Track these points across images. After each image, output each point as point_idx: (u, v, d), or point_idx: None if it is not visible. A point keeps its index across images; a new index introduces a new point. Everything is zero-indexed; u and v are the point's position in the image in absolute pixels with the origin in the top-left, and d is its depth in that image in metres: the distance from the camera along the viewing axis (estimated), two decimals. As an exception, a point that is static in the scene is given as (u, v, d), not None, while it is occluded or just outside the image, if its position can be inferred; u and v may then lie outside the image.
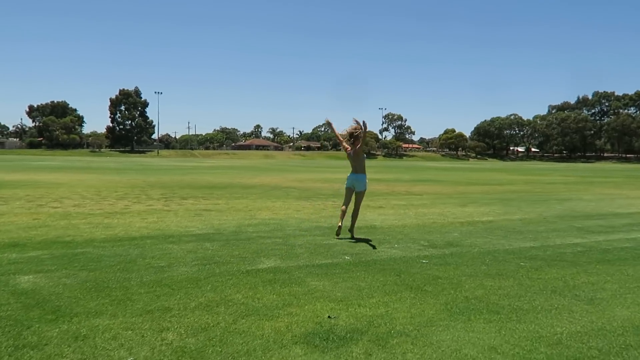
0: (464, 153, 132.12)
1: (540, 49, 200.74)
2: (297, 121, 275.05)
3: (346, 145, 7.43)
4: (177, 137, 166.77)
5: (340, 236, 7.18)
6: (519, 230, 8.44)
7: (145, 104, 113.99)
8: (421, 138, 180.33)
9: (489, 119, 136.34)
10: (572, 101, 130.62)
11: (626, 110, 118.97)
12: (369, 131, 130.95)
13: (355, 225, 7.52)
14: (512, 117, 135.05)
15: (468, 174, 32.88)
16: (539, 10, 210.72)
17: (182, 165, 44.65)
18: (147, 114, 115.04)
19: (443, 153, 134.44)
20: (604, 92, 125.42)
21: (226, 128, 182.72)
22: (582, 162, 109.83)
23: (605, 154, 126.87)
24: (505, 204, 12.81)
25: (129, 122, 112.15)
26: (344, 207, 7.29)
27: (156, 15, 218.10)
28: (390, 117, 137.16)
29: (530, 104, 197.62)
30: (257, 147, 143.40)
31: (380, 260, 5.80)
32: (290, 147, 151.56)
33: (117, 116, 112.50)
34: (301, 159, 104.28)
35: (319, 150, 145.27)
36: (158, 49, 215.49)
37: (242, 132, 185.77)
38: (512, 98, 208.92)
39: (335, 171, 34.54)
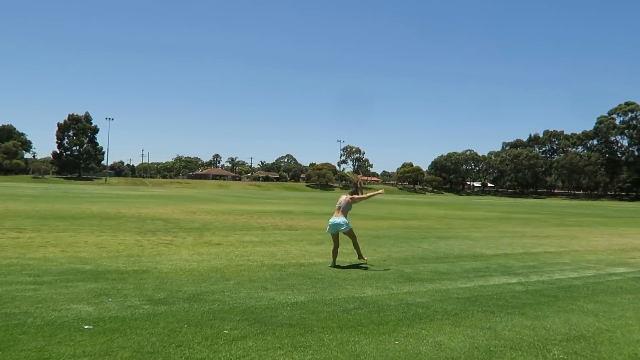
0: (421, 187, 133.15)
1: (495, 86, 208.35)
2: (260, 152, 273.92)
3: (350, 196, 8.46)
4: (134, 165, 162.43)
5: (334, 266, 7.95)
6: (321, 277, 7.04)
7: (95, 130, 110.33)
8: (384, 171, 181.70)
9: (446, 153, 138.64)
10: (525, 139, 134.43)
11: (574, 149, 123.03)
12: (327, 163, 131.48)
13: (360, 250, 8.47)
14: (467, 152, 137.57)
15: (394, 207, 31.88)
16: (495, 50, 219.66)
17: (110, 193, 42.18)
18: (97, 141, 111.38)
19: (401, 186, 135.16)
20: (554, 131, 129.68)
21: (188, 157, 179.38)
22: (534, 197, 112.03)
23: (556, 190, 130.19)
24: (374, 242, 11.50)
25: (77, 147, 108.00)
26: (334, 250, 8.21)
27: (114, 44, 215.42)
28: (348, 149, 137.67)
29: (486, 140, 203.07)
30: (214, 177, 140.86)
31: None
32: (248, 177, 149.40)
33: (64, 141, 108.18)
34: (255, 189, 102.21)
35: (278, 181, 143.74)
36: (114, 76, 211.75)
37: (204, 162, 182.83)
38: (468, 134, 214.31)
39: (269, 203, 32.96)
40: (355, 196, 8.45)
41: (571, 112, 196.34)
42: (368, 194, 8.90)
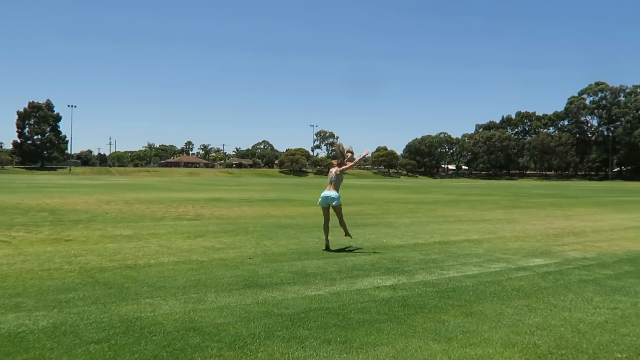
0: (395, 171, 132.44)
1: (467, 67, 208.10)
2: (237, 139, 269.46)
3: (335, 162, 8.12)
4: (105, 154, 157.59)
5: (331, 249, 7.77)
6: (125, 286, 5.33)
7: (57, 118, 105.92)
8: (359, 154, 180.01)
9: (420, 137, 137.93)
10: (497, 120, 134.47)
11: (545, 130, 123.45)
12: (301, 148, 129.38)
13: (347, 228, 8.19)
14: (441, 135, 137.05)
15: (351, 192, 30.35)
16: (466, 31, 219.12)
17: (56, 183, 39.68)
18: (60, 129, 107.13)
19: (375, 171, 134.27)
20: (526, 112, 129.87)
21: (162, 145, 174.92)
22: (506, 179, 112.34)
23: (529, 172, 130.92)
24: (275, 233, 9.88)
25: (39, 137, 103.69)
26: (325, 225, 8.01)
27: (79, 30, 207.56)
28: (322, 134, 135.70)
29: (460, 123, 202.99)
30: (186, 165, 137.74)
31: None
32: (221, 164, 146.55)
33: (25, 130, 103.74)
34: (226, 176, 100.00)
35: (251, 167, 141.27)
36: (78, 63, 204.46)
37: (178, 149, 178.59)
38: (443, 116, 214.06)
39: (219, 190, 31.06)
40: (344, 166, 8.08)
41: (544, 93, 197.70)
42: (355, 160, 8.35)
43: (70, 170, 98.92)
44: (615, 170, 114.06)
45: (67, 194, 23.56)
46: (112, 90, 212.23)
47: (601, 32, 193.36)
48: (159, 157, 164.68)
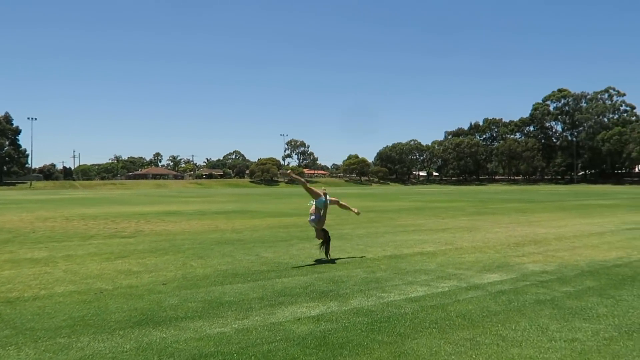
0: (367, 178, 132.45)
1: (433, 75, 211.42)
2: (208, 150, 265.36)
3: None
4: (71, 168, 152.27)
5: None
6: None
7: (16, 131, 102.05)
8: (333, 164, 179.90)
9: (390, 144, 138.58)
10: (466, 127, 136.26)
11: (512, 136, 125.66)
12: (272, 158, 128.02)
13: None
14: (412, 142, 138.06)
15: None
16: (435, 41, 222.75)
17: (17, 198, 37.45)
18: (20, 143, 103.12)
19: (347, 179, 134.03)
20: (493, 118, 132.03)
21: (131, 157, 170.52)
22: (476, 184, 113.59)
23: (497, 177, 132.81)
24: (211, 251, 8.86)
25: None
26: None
27: (39, 45, 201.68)
28: (293, 143, 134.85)
29: (430, 130, 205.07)
30: (154, 176, 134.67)
31: None
32: (190, 175, 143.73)
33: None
34: (195, 187, 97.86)
35: (222, 177, 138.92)
36: (39, 78, 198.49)
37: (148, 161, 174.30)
38: (413, 123, 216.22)
39: (180, 202, 29.66)
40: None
41: (510, 99, 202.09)
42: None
43: (31, 184, 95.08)
44: (580, 174, 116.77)
45: (7, 210, 21.88)
46: (76, 103, 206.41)
47: (563, 41, 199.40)
48: (126, 169, 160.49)
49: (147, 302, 5.22)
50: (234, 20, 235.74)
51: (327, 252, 7.89)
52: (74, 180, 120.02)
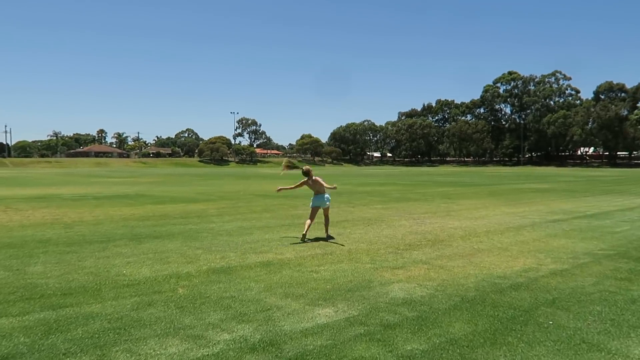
0: (320, 159, 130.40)
1: (389, 56, 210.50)
2: (160, 127, 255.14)
3: (304, 182, 8.34)
4: (9, 144, 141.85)
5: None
6: None
7: None
8: (290, 144, 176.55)
9: (344, 124, 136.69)
10: (419, 108, 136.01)
11: (463, 118, 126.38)
12: (222, 136, 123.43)
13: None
14: (365, 123, 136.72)
15: (231, 183, 26.87)
16: (390, 21, 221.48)
17: None
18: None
19: (300, 159, 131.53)
20: (445, 100, 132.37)
21: (77, 133, 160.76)
22: (428, 165, 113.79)
23: (448, 158, 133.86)
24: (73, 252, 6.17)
25: None
26: (309, 221, 8.18)
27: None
28: (244, 121, 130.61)
29: (383, 111, 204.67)
30: (97, 154, 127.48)
31: None
32: (136, 153, 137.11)
33: None
34: (139, 166, 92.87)
35: (170, 156, 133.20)
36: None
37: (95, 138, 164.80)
38: (367, 103, 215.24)
39: (104, 183, 26.24)
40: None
41: (461, 81, 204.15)
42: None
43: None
44: (527, 156, 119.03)
45: None
46: (10, 75, 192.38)
47: (515, 24, 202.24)
48: (66, 146, 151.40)
49: None
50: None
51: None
52: (4, 157, 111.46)
